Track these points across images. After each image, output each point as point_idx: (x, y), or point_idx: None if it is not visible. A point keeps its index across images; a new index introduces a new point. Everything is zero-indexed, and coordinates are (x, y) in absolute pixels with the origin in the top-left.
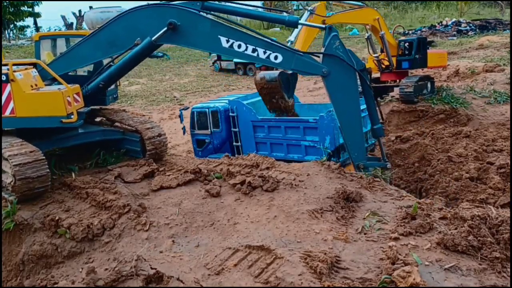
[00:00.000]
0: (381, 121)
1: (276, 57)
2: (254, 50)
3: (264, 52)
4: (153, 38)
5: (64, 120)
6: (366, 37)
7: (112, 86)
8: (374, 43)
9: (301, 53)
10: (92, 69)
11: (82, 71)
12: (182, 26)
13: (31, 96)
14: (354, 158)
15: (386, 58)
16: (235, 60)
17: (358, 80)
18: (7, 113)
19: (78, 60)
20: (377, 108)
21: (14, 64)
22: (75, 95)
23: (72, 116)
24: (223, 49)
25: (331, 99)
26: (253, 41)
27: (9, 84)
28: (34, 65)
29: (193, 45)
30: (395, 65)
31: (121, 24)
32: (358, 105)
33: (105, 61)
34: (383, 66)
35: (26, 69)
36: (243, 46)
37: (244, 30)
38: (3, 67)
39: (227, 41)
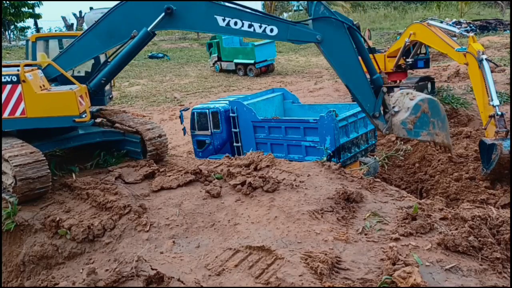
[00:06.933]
0: (378, 71)
1: (271, 30)
2: (250, 26)
3: (260, 26)
4: (149, 28)
5: (77, 120)
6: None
7: (107, 87)
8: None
9: (294, 23)
10: (90, 69)
11: (76, 72)
12: (178, 10)
13: (43, 97)
14: (368, 109)
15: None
16: (236, 61)
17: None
18: (17, 113)
19: (80, 55)
20: (372, 60)
21: (25, 65)
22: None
23: (84, 115)
24: (220, 28)
25: (331, 63)
26: (248, 16)
27: (19, 85)
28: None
29: (191, 28)
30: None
31: (119, 13)
32: (357, 59)
33: (102, 59)
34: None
35: (32, 70)
36: (239, 23)
37: (239, 7)
38: (12, 68)
39: (223, 20)
